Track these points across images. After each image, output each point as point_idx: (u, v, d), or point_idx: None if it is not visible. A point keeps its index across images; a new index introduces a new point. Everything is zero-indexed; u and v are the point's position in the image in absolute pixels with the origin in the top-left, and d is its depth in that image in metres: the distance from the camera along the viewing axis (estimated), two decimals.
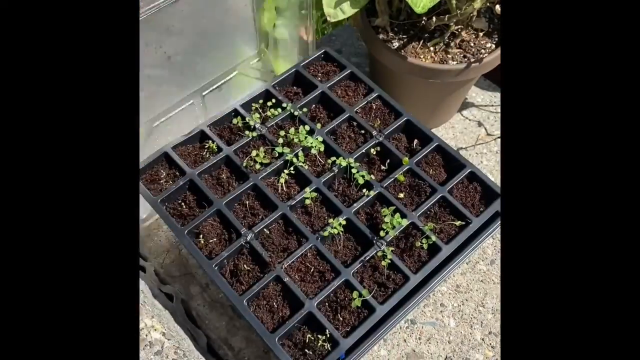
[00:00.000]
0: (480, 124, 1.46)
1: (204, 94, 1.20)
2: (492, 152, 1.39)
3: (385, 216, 0.96)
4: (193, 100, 1.18)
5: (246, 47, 1.22)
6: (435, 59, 1.25)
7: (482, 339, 1.07)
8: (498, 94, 1.51)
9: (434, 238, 0.95)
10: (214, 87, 1.21)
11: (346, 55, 1.58)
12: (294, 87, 1.18)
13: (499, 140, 1.41)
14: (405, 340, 1.06)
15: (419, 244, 0.96)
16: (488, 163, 1.37)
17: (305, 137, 1.05)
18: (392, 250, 0.95)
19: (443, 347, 1.06)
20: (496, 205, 1.02)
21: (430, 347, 1.06)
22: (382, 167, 1.08)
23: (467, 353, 1.05)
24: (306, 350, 0.88)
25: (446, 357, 1.04)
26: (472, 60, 1.21)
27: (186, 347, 0.88)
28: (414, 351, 1.05)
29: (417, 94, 1.33)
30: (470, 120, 1.47)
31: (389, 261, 0.93)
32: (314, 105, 1.15)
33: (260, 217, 1.00)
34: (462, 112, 1.48)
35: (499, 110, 1.49)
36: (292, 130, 1.05)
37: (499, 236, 1.21)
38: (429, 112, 1.39)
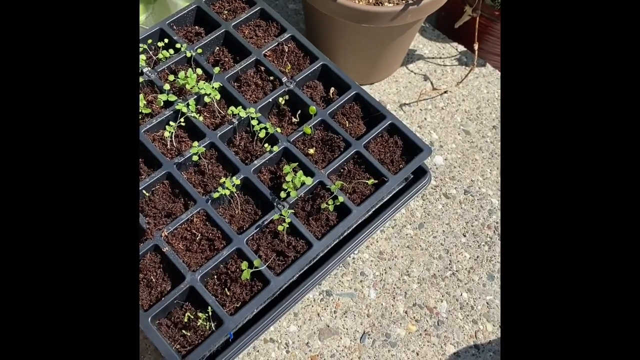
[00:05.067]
0: (426, 78, 1.31)
1: None
2: (437, 108, 1.25)
3: (286, 174, 0.82)
4: None
5: None
6: (370, 0, 1.10)
7: (406, 312, 0.96)
8: (447, 45, 1.36)
9: (342, 199, 0.82)
10: None
11: (283, 1, 1.41)
12: (196, 27, 1.01)
13: (445, 95, 1.27)
14: (318, 314, 0.94)
15: (325, 205, 0.82)
16: (432, 120, 1.23)
17: (197, 83, 0.89)
18: (294, 213, 0.82)
19: (361, 322, 0.94)
20: (419, 161, 0.88)
21: (347, 322, 0.94)
22: (294, 120, 0.93)
23: (388, 327, 0.94)
24: (184, 332, 0.75)
25: (364, 333, 0.93)
26: (410, 2, 1.06)
27: None
28: (328, 326, 0.93)
29: (353, 43, 1.18)
30: (415, 73, 1.33)
31: (287, 226, 0.79)
32: (217, 48, 0.99)
33: (142, 177, 0.85)
34: (408, 65, 1.34)
35: (447, 63, 1.34)
36: (181, 74, 0.89)
37: (429, 197, 1.08)
38: (369, 64, 1.24)
